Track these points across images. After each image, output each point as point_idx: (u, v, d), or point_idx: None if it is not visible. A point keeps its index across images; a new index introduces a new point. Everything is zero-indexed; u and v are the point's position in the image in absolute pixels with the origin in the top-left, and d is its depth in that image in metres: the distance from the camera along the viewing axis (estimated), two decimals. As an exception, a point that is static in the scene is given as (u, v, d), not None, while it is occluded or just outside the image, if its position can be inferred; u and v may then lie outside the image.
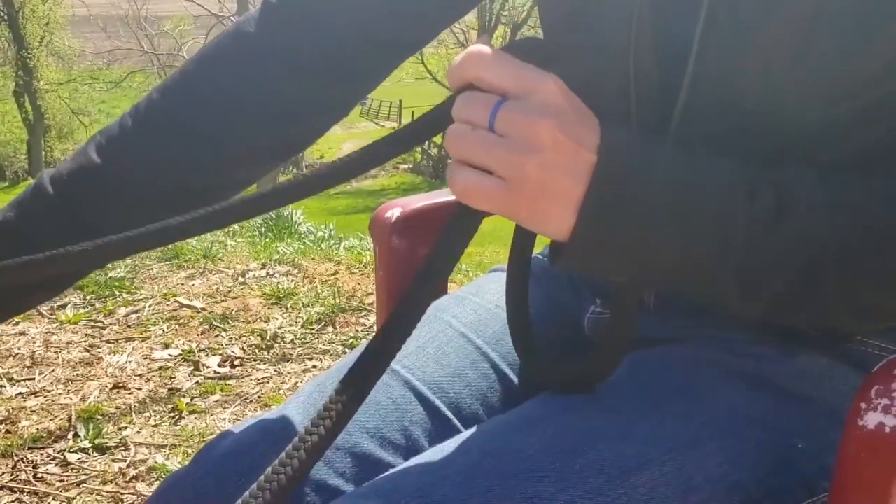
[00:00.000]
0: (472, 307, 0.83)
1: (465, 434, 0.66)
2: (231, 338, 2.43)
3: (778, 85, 0.58)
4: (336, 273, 3.03)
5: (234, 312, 2.60)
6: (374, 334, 0.59)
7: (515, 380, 0.80)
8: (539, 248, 0.83)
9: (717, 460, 0.62)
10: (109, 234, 0.64)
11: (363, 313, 2.61)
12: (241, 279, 2.96)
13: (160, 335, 2.45)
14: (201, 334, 2.46)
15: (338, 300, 2.68)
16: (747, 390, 0.67)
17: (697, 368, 0.69)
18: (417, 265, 0.98)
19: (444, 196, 0.98)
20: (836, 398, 0.66)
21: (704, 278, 0.54)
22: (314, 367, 2.27)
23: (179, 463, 1.78)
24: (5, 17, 18.55)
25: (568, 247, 0.53)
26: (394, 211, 0.96)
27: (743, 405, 0.66)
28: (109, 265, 2.93)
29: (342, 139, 24.91)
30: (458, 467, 0.61)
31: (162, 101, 0.74)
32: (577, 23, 0.70)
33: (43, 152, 18.98)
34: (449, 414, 0.75)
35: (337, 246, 3.63)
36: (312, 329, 2.49)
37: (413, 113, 25.91)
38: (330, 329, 2.51)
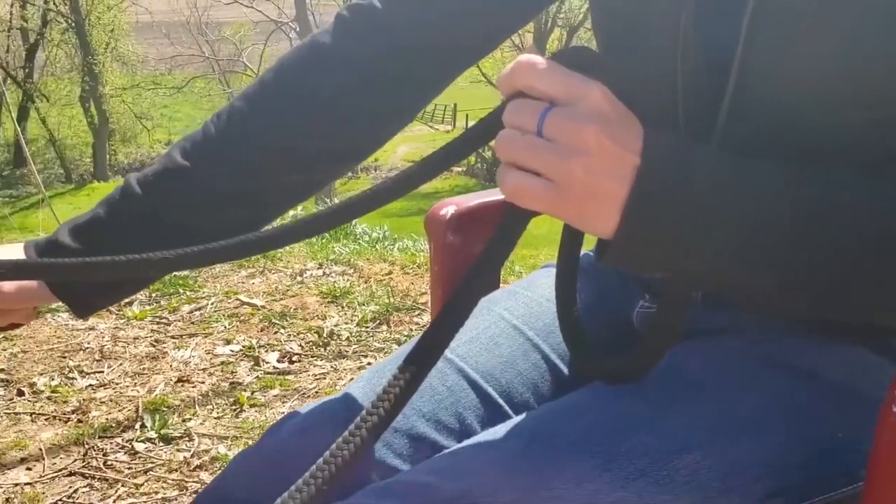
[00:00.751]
0: (524, 300, 0.87)
1: (516, 419, 0.70)
2: (289, 334, 2.50)
3: (821, 85, 0.60)
4: (390, 273, 3.09)
5: (292, 310, 2.67)
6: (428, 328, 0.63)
7: (565, 370, 0.83)
8: (588, 245, 0.86)
9: (759, 447, 0.65)
10: (190, 231, 0.69)
11: (417, 312, 2.66)
12: (298, 278, 3.04)
13: (222, 331, 2.53)
14: (261, 331, 2.54)
15: (392, 299, 2.73)
16: (790, 381, 0.69)
17: (742, 359, 0.71)
18: (471, 261, 1.02)
19: (497, 194, 1.02)
20: (879, 390, 0.68)
21: (746, 276, 0.57)
22: (369, 363, 2.33)
23: (241, 453, 1.84)
24: (73, 24, 19.13)
25: (613, 244, 0.56)
26: (449, 208, 1.00)
27: (786, 395, 0.68)
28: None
29: (397, 142, 25.10)
30: (509, 448, 0.65)
31: (240, 108, 0.80)
32: (624, 24, 0.73)
33: (107, 156, 19.51)
34: (500, 401, 0.78)
35: (391, 247, 3.69)
36: (367, 327, 2.55)
37: (468, 116, 25.97)
38: (384, 327, 2.56)
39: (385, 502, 0.61)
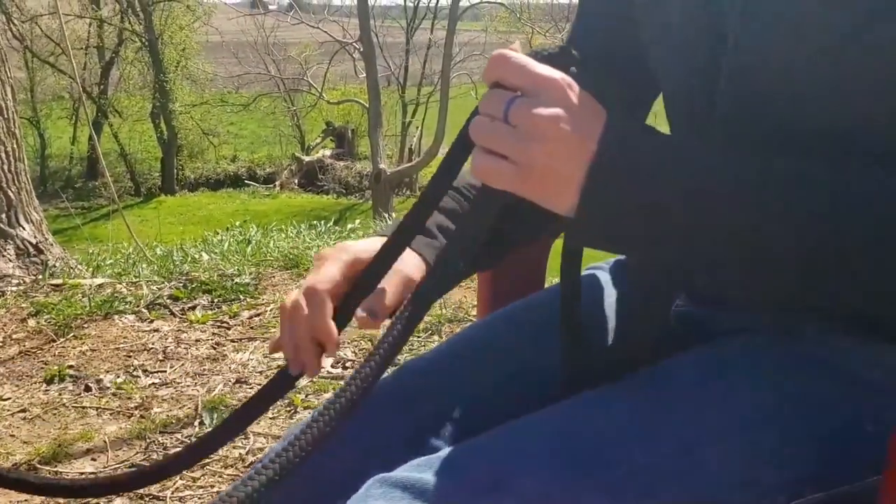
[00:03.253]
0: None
1: (552, 408, 0.74)
2: (343, 341, 2.56)
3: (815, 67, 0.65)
4: (445, 286, 3.13)
5: (347, 319, 2.74)
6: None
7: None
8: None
9: (784, 438, 0.67)
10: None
11: (468, 324, 2.70)
12: (354, 289, 3.10)
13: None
14: (317, 337, 2.60)
15: (444, 310, 2.78)
16: (819, 377, 0.71)
17: (771, 356, 0.73)
18: (518, 261, 1.06)
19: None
20: None
21: (702, 253, 0.61)
22: (421, 372, 2.37)
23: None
24: (146, 43, 19.76)
25: (574, 222, 0.61)
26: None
27: (814, 390, 0.70)
28: (235, 272, 3.13)
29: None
30: (542, 433, 0.68)
31: None
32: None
33: (175, 170, 20.03)
34: (537, 393, 0.82)
35: (447, 261, 3.73)
36: (419, 337, 2.60)
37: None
38: (436, 337, 2.61)
39: (425, 475, 0.65)
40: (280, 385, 0.77)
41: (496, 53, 0.61)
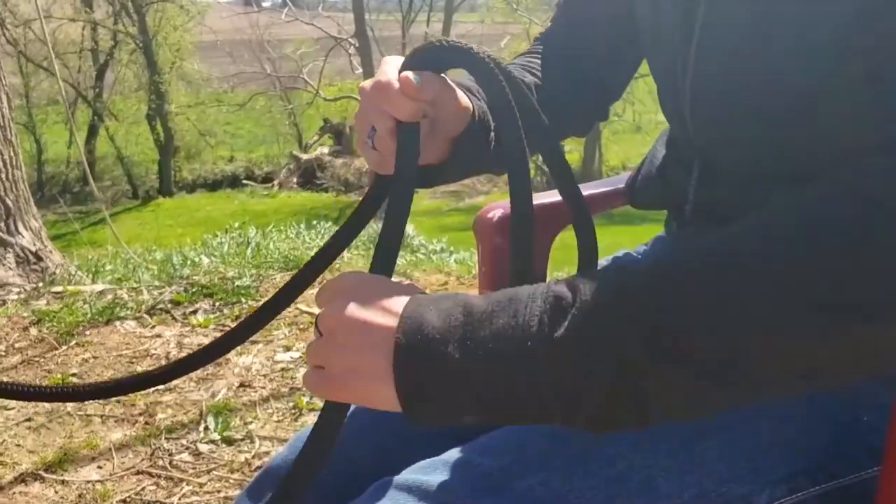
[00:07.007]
0: None
1: None
2: (347, 342, 2.56)
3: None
4: (446, 283, 3.13)
5: (349, 319, 2.73)
6: None
7: None
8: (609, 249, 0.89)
9: (787, 428, 0.67)
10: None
11: (472, 321, 2.69)
12: (356, 288, 3.09)
13: (282, 339, 2.60)
14: (319, 338, 2.60)
15: (447, 308, 2.77)
16: None
17: None
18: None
19: (544, 198, 1.05)
20: None
21: (526, 408, 0.53)
22: (424, 370, 2.36)
23: (299, 455, 1.90)
24: (140, 44, 19.73)
25: (407, 415, 0.55)
26: (496, 211, 1.04)
27: None
28: (236, 275, 3.13)
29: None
30: (545, 431, 0.68)
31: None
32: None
33: (172, 172, 20.02)
34: None
35: (448, 258, 3.73)
36: (423, 335, 2.59)
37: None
38: (440, 335, 2.60)
39: (429, 477, 0.65)
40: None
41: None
